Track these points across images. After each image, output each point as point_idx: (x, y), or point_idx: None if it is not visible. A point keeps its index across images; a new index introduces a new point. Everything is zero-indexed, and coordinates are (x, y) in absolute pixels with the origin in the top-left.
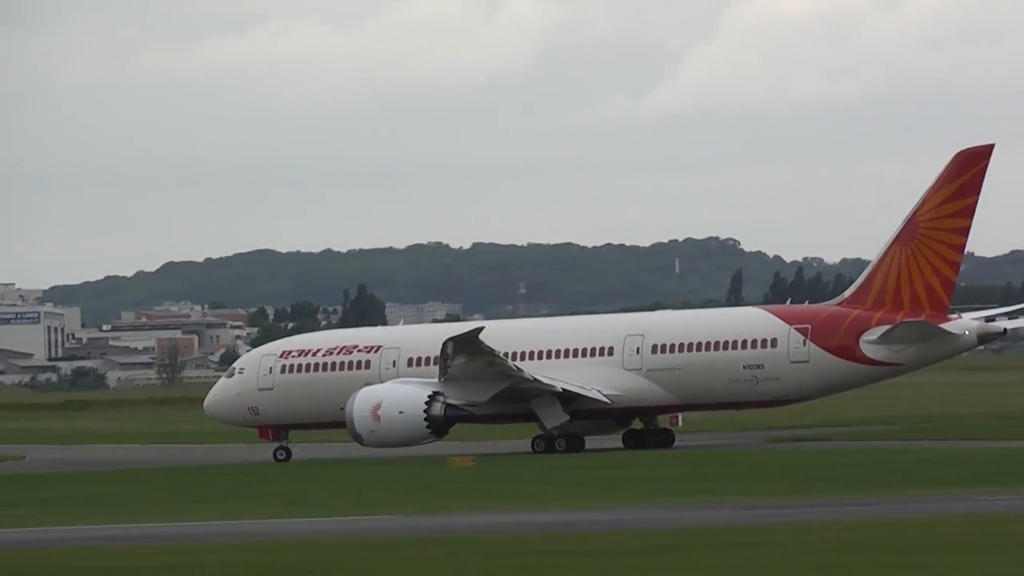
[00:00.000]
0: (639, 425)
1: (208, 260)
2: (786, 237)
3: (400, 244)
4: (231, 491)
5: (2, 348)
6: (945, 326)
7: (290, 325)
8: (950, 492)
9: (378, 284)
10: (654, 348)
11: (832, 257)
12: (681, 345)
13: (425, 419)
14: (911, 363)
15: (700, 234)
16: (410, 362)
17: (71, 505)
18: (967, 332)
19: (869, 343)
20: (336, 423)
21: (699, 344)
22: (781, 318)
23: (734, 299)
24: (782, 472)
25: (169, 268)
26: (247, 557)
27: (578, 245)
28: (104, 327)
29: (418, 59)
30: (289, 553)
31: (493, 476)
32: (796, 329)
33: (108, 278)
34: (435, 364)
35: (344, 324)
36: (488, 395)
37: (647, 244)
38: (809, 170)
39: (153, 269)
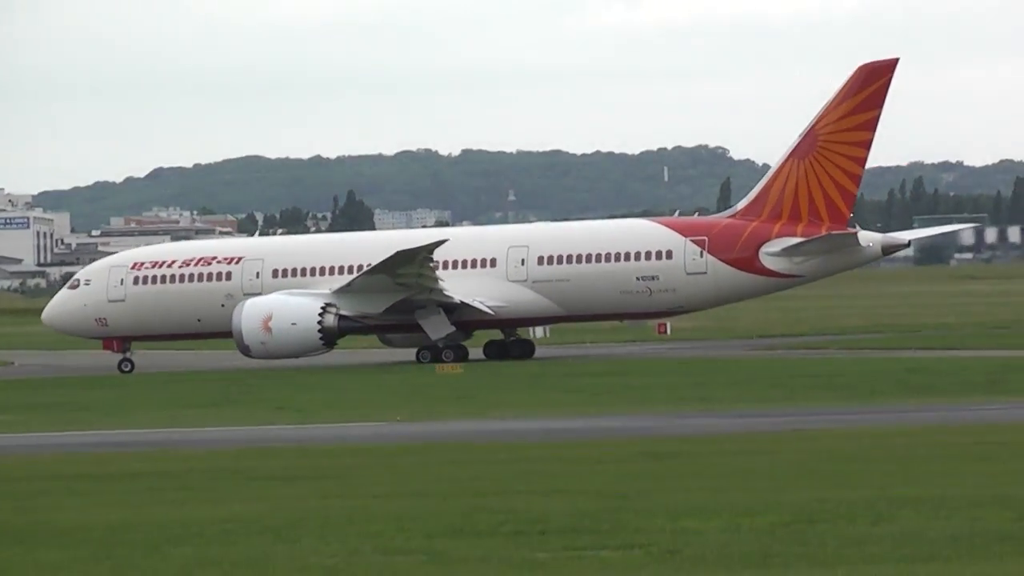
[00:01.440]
0: (500, 337)
1: (197, 166)
2: (776, 145)
3: (389, 151)
4: (220, 397)
5: None
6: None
7: (280, 231)
8: (943, 400)
9: (367, 190)
10: (540, 260)
11: None
12: (570, 257)
13: (319, 330)
14: (811, 275)
15: (689, 142)
16: (274, 274)
17: (59, 411)
18: (871, 244)
19: (770, 255)
20: (192, 335)
21: (588, 256)
22: (675, 230)
23: (723, 206)
24: (775, 380)
25: (158, 174)
26: (237, 463)
27: (567, 152)
28: (94, 232)
29: None
30: (279, 459)
31: (482, 383)
32: (692, 241)
33: (97, 183)
34: (303, 276)
35: (333, 230)
36: (383, 307)
37: (636, 152)
38: (800, 79)
39: (142, 175)
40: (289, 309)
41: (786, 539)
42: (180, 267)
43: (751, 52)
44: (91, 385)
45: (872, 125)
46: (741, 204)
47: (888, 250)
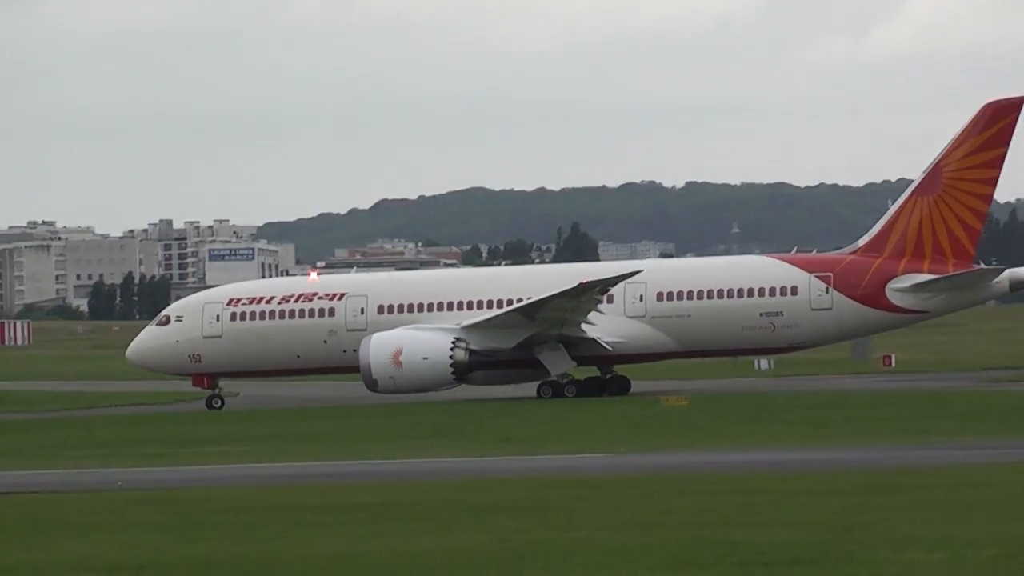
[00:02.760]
0: (595, 372)
1: (421, 198)
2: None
3: (613, 183)
4: (446, 428)
5: (217, 284)
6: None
7: (504, 263)
8: None
9: (591, 223)
10: (659, 295)
11: None
12: (690, 292)
13: (451, 364)
14: (936, 311)
15: (913, 174)
16: (380, 310)
17: (285, 442)
18: (999, 280)
19: (897, 291)
20: (289, 371)
21: (710, 292)
22: (798, 266)
23: None
24: (998, 413)
25: (383, 205)
26: (462, 495)
27: (791, 184)
28: (318, 264)
29: None
30: (503, 490)
31: (706, 415)
32: (817, 277)
33: (322, 215)
34: (409, 312)
35: (557, 262)
36: (514, 342)
37: (860, 184)
38: None
39: (367, 206)
40: (420, 343)
41: (1010, 571)
42: (280, 303)
43: (977, 85)
44: (316, 416)
45: (998, 163)
46: (862, 241)
47: (1016, 286)
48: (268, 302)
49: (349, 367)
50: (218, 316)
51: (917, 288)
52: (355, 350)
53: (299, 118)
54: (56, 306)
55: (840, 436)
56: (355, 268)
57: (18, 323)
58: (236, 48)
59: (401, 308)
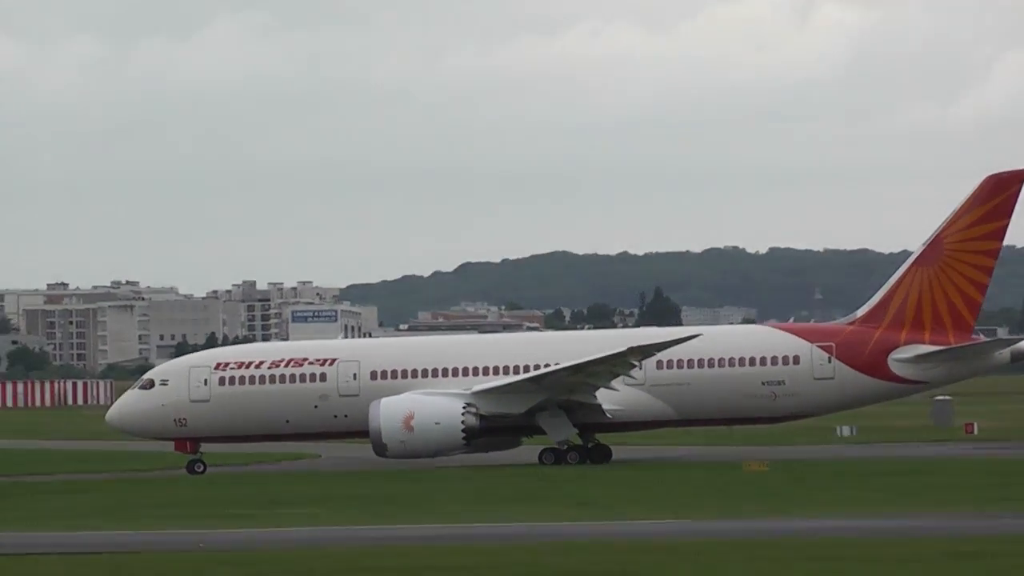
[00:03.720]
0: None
1: (505, 261)
2: None
3: (697, 247)
4: (523, 492)
5: None
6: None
7: (586, 327)
8: None
9: (674, 287)
10: (658, 364)
11: None
12: (691, 361)
13: (463, 429)
14: (936, 381)
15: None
16: (373, 375)
17: (365, 504)
18: (1000, 352)
19: (900, 362)
20: (276, 436)
21: (711, 360)
22: (798, 335)
23: None
24: None
25: (466, 268)
26: (535, 558)
27: (875, 251)
28: (401, 326)
29: (726, 63)
30: (580, 555)
31: (787, 480)
32: (819, 347)
33: (405, 277)
34: (403, 378)
35: (640, 325)
36: (525, 407)
37: None
38: None
39: (450, 269)
40: (431, 408)
41: None
42: (269, 368)
43: None
44: (396, 478)
45: (1000, 235)
46: (860, 312)
47: (1017, 357)
48: (258, 366)
49: (339, 432)
50: (206, 380)
51: (920, 359)
52: (346, 415)
53: (384, 179)
54: (139, 366)
55: (922, 503)
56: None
57: (101, 382)
58: (321, 107)
59: (395, 374)
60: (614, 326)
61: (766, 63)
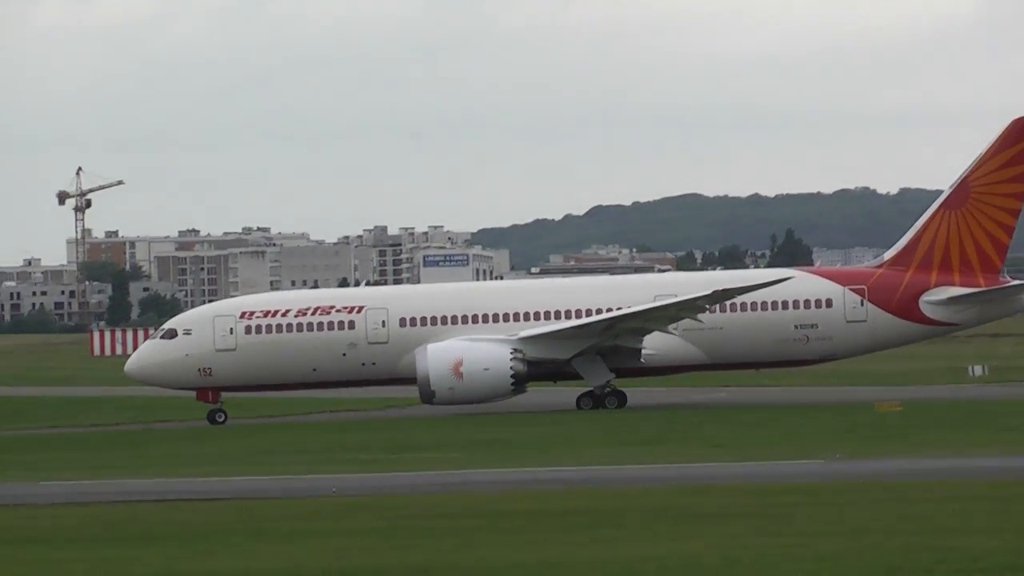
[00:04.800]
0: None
1: (636, 204)
2: None
3: (827, 189)
4: (656, 434)
5: None
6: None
7: (718, 269)
8: None
9: (805, 229)
10: None
11: None
12: (723, 305)
13: (511, 375)
14: (966, 323)
15: None
16: (402, 322)
17: (497, 448)
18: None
19: (931, 304)
20: (302, 385)
21: (743, 304)
22: (830, 279)
23: None
24: None
25: (597, 211)
26: (673, 501)
27: None
28: (532, 270)
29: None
30: (715, 497)
31: (920, 421)
32: (851, 290)
33: (536, 221)
34: (432, 324)
35: (772, 267)
36: (572, 353)
37: None
38: None
39: (581, 212)
40: (480, 354)
41: None
42: (296, 316)
43: None
44: (528, 422)
45: None
46: (888, 255)
47: None
48: (284, 315)
49: (367, 380)
50: (231, 329)
51: (952, 301)
52: (374, 363)
53: (514, 123)
54: None
55: None
56: (365, 282)
57: None
58: (455, 52)
59: (424, 321)
60: (745, 267)
61: (902, 2)
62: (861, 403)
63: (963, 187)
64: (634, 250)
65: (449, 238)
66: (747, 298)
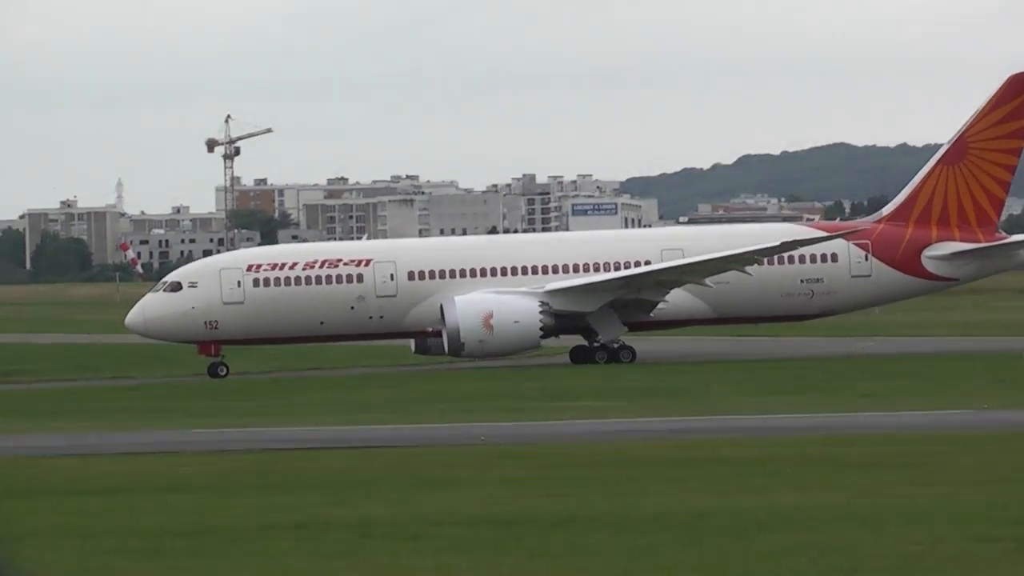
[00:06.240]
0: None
1: (784, 153)
2: None
3: None
4: (805, 383)
5: None
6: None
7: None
8: None
9: None
10: None
11: None
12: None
13: (541, 327)
14: (966, 278)
15: None
16: (410, 276)
17: (645, 396)
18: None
19: (933, 259)
20: (310, 338)
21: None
22: (834, 233)
23: None
24: None
25: (746, 160)
26: (824, 450)
27: None
28: (681, 219)
29: None
30: (866, 446)
31: None
32: (856, 244)
33: (685, 170)
34: (441, 278)
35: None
36: (597, 306)
37: None
38: None
39: (730, 162)
40: (510, 307)
41: None
42: (304, 269)
43: None
44: (678, 372)
45: (1022, 134)
46: (886, 210)
47: None
48: (292, 268)
49: (374, 334)
50: (239, 282)
51: (954, 256)
52: (382, 316)
53: (662, 73)
54: None
55: None
56: (365, 236)
57: None
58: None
59: (432, 274)
60: None
61: None
62: (1008, 352)
63: (961, 143)
64: (782, 199)
65: (598, 187)
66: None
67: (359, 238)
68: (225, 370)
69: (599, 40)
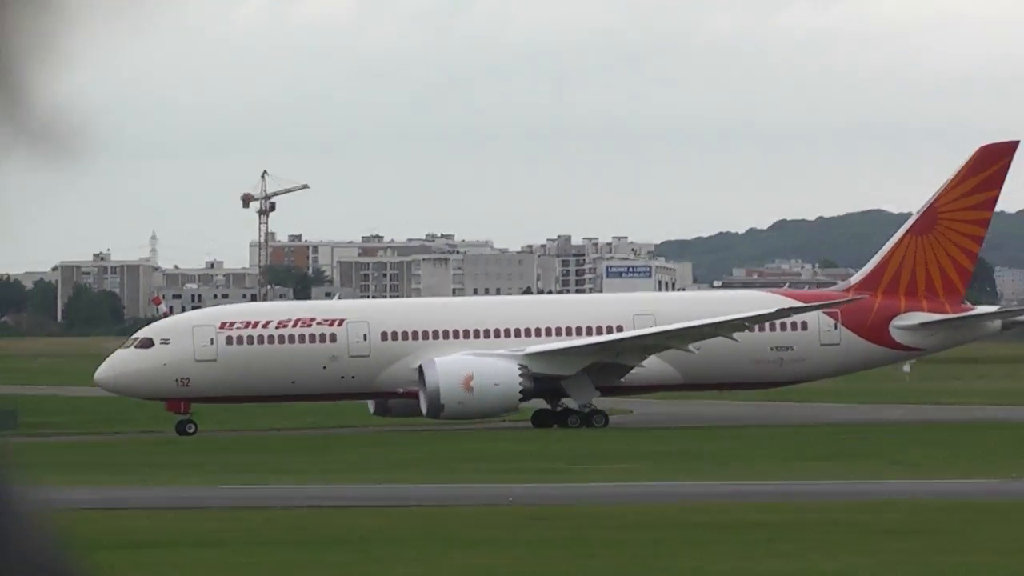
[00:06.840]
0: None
1: (820, 219)
2: None
3: (1011, 208)
4: (836, 450)
5: None
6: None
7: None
8: None
9: (988, 247)
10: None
11: None
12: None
13: (520, 391)
14: (932, 348)
15: None
16: (383, 336)
17: (675, 459)
18: (994, 321)
19: (901, 329)
20: (279, 398)
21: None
22: (804, 302)
23: None
24: None
25: (781, 226)
26: (852, 516)
27: None
28: (715, 283)
29: None
30: (894, 513)
31: None
32: (826, 313)
33: (720, 234)
34: (414, 339)
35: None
36: (576, 369)
37: None
38: None
39: (765, 227)
40: (490, 369)
41: None
42: (277, 328)
43: None
44: (706, 437)
45: (991, 204)
46: (854, 279)
47: (1007, 326)
48: (265, 326)
49: (345, 393)
50: (212, 339)
51: (922, 327)
52: (354, 376)
53: (698, 135)
54: None
55: None
56: (336, 295)
57: None
58: (638, 60)
59: (405, 335)
60: None
61: None
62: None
63: (930, 213)
64: (817, 265)
65: (632, 249)
66: (726, 318)
67: (393, 296)
68: (194, 428)
69: (637, 101)
